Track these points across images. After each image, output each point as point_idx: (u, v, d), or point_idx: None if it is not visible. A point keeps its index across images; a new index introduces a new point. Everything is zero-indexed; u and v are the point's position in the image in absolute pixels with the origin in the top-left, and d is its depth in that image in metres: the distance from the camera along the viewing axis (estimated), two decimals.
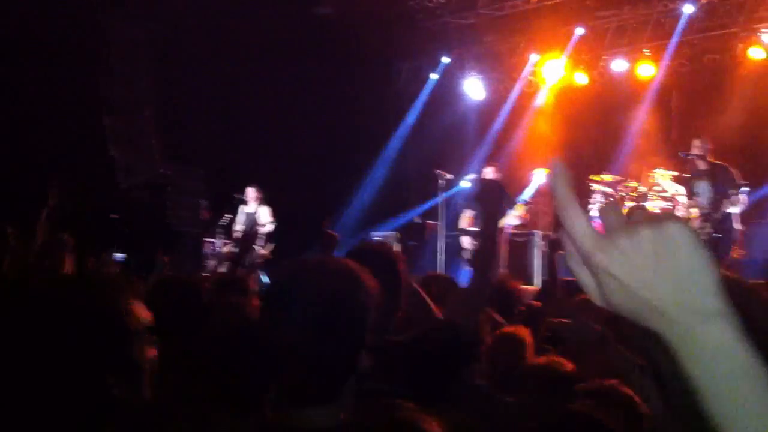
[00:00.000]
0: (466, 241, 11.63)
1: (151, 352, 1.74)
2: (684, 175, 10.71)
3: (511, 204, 11.07)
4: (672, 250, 0.94)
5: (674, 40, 14.23)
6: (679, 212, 10.73)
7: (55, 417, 1.58)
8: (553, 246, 6.99)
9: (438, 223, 12.62)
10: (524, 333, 4.28)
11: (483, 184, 11.06)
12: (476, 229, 11.43)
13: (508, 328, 4.38)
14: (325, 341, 1.80)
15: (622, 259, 0.95)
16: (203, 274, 11.88)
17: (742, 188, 9.67)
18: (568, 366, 3.26)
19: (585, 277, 1.01)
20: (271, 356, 1.95)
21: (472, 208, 11.61)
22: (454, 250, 11.82)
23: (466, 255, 11.51)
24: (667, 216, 0.98)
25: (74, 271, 5.73)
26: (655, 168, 12.85)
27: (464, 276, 10.54)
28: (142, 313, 1.74)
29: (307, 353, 1.80)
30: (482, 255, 3.46)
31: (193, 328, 3.11)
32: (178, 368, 2.65)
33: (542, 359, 3.34)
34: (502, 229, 11.03)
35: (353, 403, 1.86)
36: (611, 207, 1.03)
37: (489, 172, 11.50)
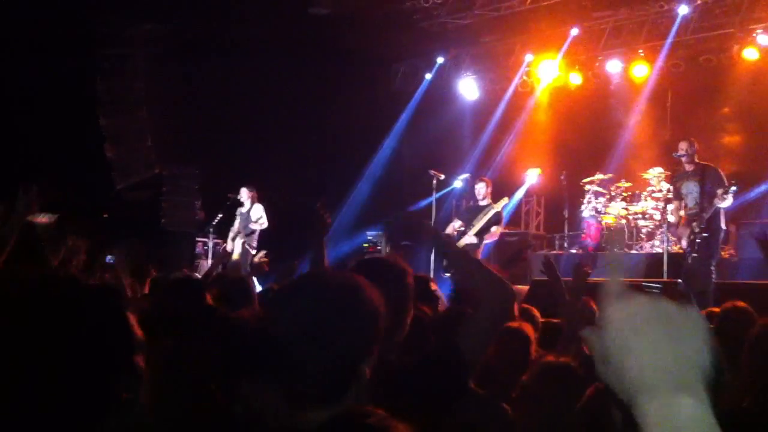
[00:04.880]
0: None
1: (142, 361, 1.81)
2: (675, 176, 10.73)
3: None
4: (675, 326, 1.03)
5: (669, 40, 14.21)
6: (669, 213, 10.76)
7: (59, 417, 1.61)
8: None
9: (430, 222, 12.66)
10: (529, 329, 4.30)
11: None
12: (456, 236, 11.72)
13: (513, 324, 4.27)
14: (324, 350, 1.85)
15: (616, 325, 1.05)
16: (196, 275, 11.92)
17: (730, 188, 9.68)
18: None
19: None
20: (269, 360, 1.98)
21: (461, 219, 11.84)
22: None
23: (444, 261, 11.77)
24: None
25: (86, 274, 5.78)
26: (649, 168, 12.90)
27: (444, 282, 10.64)
28: (135, 324, 1.82)
29: (307, 360, 1.84)
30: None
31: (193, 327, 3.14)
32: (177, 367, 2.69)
33: (552, 358, 3.31)
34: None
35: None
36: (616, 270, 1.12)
37: (482, 188, 11.64)
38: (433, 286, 4.77)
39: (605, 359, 1.06)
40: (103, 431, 1.66)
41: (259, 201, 12.80)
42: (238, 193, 12.79)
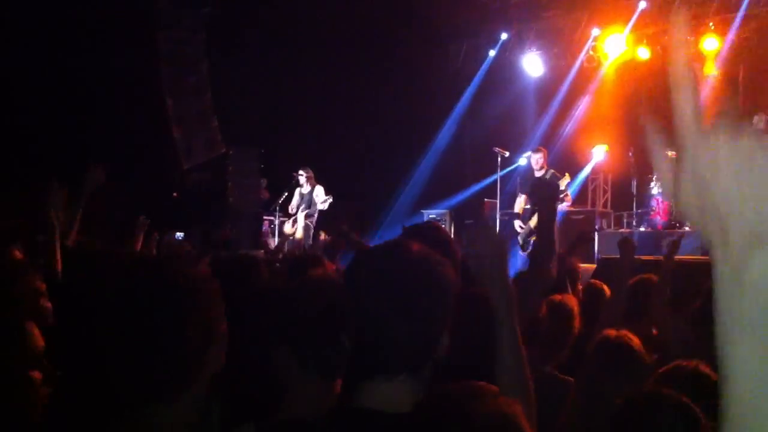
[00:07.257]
0: (517, 225, 11.67)
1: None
2: None
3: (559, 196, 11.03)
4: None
5: (740, 13, 13.80)
6: None
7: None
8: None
9: (495, 201, 12.55)
10: (572, 302, 4.26)
11: (539, 184, 11.03)
12: (526, 213, 11.53)
13: (557, 297, 4.30)
14: (410, 320, 1.81)
15: (715, 155, 0.86)
16: (263, 252, 12.09)
17: None
18: (636, 341, 3.21)
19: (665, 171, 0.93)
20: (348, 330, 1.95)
21: (527, 193, 11.64)
22: (510, 228, 11.81)
23: (519, 239, 11.55)
24: None
25: (148, 251, 5.89)
26: None
27: (519, 259, 10.51)
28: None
29: (391, 331, 1.81)
30: (539, 249, 3.53)
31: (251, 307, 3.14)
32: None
33: (612, 332, 3.28)
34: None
35: (429, 382, 1.87)
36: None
37: (538, 158, 11.43)
38: None
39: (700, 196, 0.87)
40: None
41: (317, 181, 12.93)
42: (299, 172, 12.98)
